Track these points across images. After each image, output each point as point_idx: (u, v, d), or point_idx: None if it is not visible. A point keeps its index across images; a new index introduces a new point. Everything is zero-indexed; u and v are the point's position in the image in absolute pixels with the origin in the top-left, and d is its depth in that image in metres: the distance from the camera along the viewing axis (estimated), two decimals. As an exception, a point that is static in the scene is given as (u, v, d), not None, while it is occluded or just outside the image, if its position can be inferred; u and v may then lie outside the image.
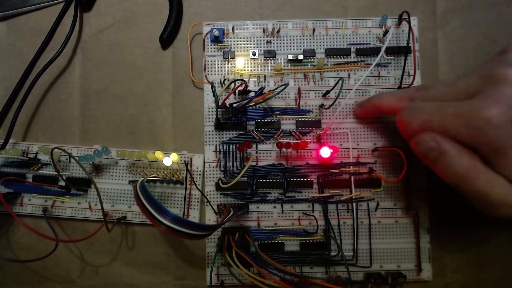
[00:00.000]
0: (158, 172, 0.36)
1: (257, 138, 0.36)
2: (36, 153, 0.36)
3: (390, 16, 0.36)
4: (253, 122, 0.36)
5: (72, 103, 0.37)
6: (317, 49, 0.37)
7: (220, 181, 0.36)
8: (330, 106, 0.36)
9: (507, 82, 0.25)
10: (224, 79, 0.37)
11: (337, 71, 0.37)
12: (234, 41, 0.37)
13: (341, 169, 0.35)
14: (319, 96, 0.36)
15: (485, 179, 0.25)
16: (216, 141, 0.36)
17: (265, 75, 0.37)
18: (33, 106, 0.37)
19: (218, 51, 0.37)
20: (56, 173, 0.35)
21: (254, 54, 0.36)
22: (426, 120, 0.27)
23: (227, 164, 0.36)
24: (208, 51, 0.37)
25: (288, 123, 0.36)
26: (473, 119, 0.24)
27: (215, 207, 0.36)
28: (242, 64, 0.36)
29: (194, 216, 0.36)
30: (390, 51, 0.36)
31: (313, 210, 0.36)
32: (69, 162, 0.36)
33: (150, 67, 0.37)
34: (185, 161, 0.36)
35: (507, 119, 0.24)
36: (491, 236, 0.36)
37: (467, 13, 0.37)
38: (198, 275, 0.36)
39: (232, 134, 0.36)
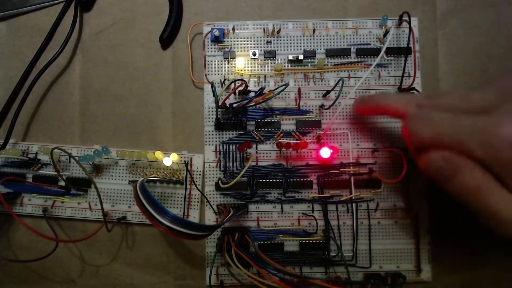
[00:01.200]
0: (158, 172, 0.36)
1: (257, 138, 0.36)
2: (36, 153, 0.36)
3: (390, 17, 0.36)
4: (253, 122, 0.36)
5: (72, 103, 0.37)
6: (317, 49, 0.37)
7: (220, 181, 0.36)
8: (330, 106, 0.36)
9: None
10: (224, 79, 0.37)
11: (337, 71, 0.37)
12: (234, 41, 0.37)
13: (341, 169, 0.35)
14: (319, 97, 0.36)
15: (497, 198, 0.24)
16: (216, 141, 0.36)
17: (265, 75, 0.37)
18: (33, 106, 0.37)
19: (218, 51, 0.37)
20: (56, 173, 0.35)
21: (254, 54, 0.36)
22: (437, 132, 0.25)
23: (227, 164, 0.36)
24: (208, 51, 0.37)
25: (288, 123, 0.36)
26: (489, 136, 0.23)
27: (215, 207, 0.36)
28: (242, 64, 0.36)
29: (194, 216, 0.36)
30: (390, 51, 0.36)
31: (312, 211, 0.36)
32: (69, 162, 0.36)
33: (150, 67, 0.37)
34: (185, 161, 0.36)
35: None
36: (491, 236, 0.36)
37: (467, 13, 0.37)
38: (197, 275, 0.36)
39: (232, 134, 0.36)
